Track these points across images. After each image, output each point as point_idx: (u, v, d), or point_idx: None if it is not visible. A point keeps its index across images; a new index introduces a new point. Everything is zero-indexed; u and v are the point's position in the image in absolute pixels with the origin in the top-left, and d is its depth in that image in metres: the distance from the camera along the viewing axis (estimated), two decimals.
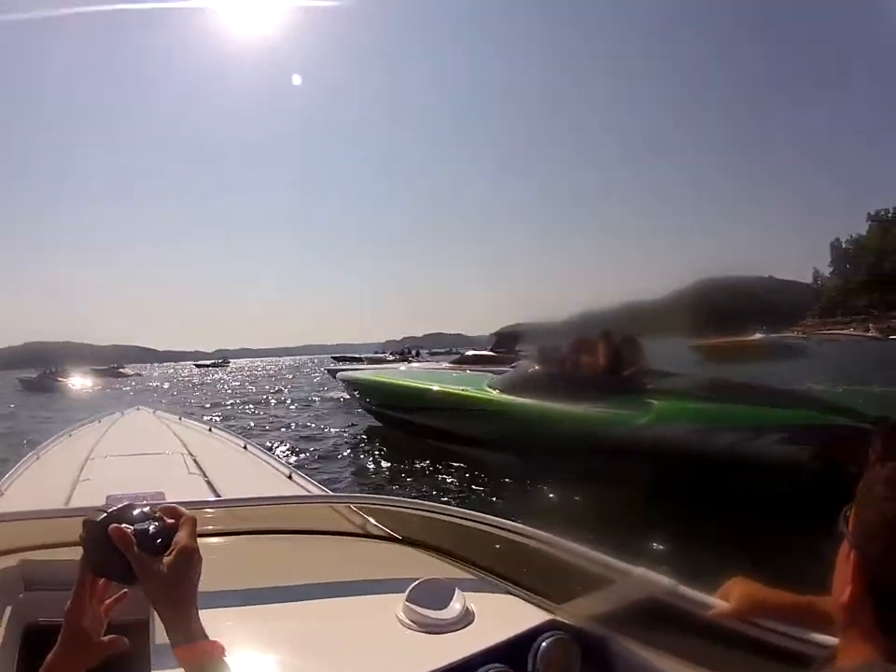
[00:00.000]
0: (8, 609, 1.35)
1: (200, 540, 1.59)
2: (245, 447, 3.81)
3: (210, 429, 4.60)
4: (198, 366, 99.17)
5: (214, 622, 0.97)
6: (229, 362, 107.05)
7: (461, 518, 1.62)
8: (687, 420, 6.30)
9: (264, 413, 17.74)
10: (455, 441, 8.39)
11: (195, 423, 5.07)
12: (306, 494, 2.50)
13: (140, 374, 69.84)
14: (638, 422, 6.48)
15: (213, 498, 2.44)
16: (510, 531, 1.50)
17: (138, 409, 5.96)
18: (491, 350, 20.87)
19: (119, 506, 0.94)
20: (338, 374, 13.09)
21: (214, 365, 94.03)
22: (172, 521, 0.94)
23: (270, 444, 10.66)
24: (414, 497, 6.37)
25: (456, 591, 1.32)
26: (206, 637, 0.88)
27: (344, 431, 12.47)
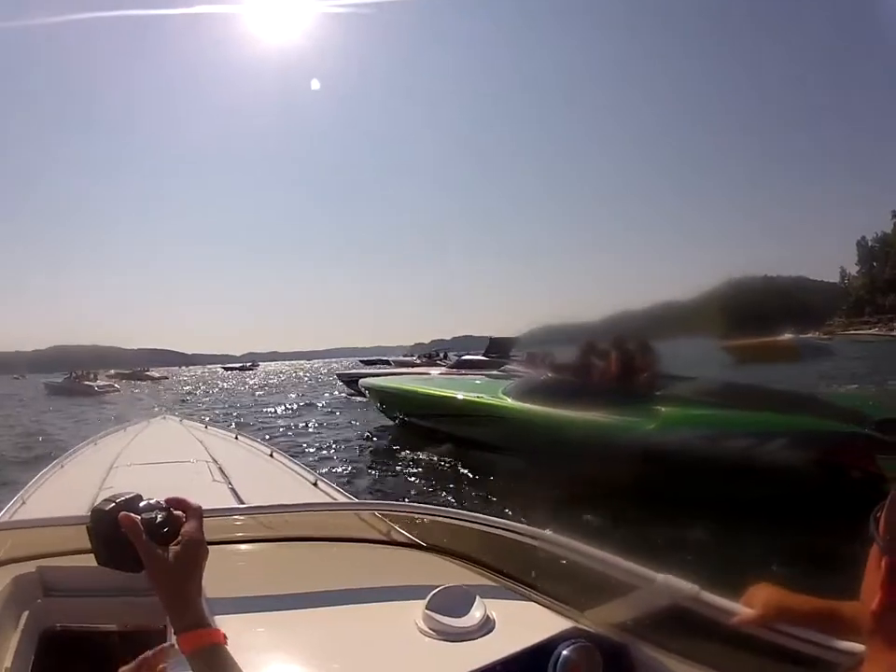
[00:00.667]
0: (26, 614, 1.37)
1: (225, 547, 1.65)
2: (271, 454, 3.82)
3: (236, 437, 4.58)
4: (226, 369, 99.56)
5: (238, 627, 1.01)
6: (258, 365, 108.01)
7: (483, 525, 1.61)
8: (693, 426, 6.51)
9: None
10: (470, 446, 8.60)
11: (221, 431, 5.08)
12: (331, 501, 2.50)
13: (166, 377, 69.60)
14: (646, 428, 6.65)
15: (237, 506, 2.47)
16: (532, 537, 1.48)
17: (164, 417, 6.00)
18: (483, 355, 22.38)
19: (128, 496, 0.96)
20: (360, 381, 13.50)
21: (242, 368, 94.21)
22: (178, 512, 0.96)
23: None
24: (432, 500, 6.66)
25: (477, 598, 1.31)
26: (209, 625, 0.89)
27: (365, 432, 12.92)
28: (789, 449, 5.90)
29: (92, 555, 1.43)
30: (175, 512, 0.96)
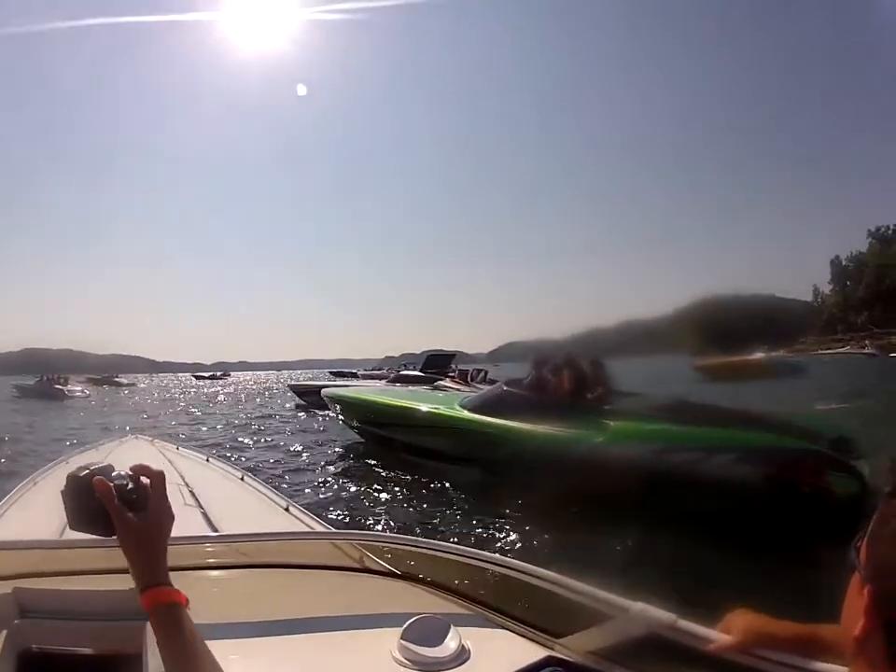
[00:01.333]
0: (2, 636, 1.34)
1: (196, 573, 1.68)
2: (242, 478, 3.81)
3: (207, 459, 4.58)
4: (197, 377, 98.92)
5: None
6: (230, 375, 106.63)
7: (458, 554, 1.60)
8: (640, 440, 6.68)
9: None
10: (427, 456, 8.88)
11: (193, 452, 5.06)
12: (307, 530, 2.47)
13: (134, 384, 69.78)
14: (595, 441, 6.90)
15: (210, 531, 2.50)
16: (507, 567, 1.47)
17: (136, 437, 5.92)
18: (421, 370, 23.99)
19: (101, 465, 1.04)
20: (322, 391, 13.87)
21: (213, 377, 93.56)
22: (145, 480, 1.03)
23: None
24: (389, 508, 7.16)
25: (452, 628, 1.29)
26: (171, 584, 0.97)
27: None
28: (737, 464, 6.03)
29: (69, 577, 1.53)
30: (142, 480, 1.03)
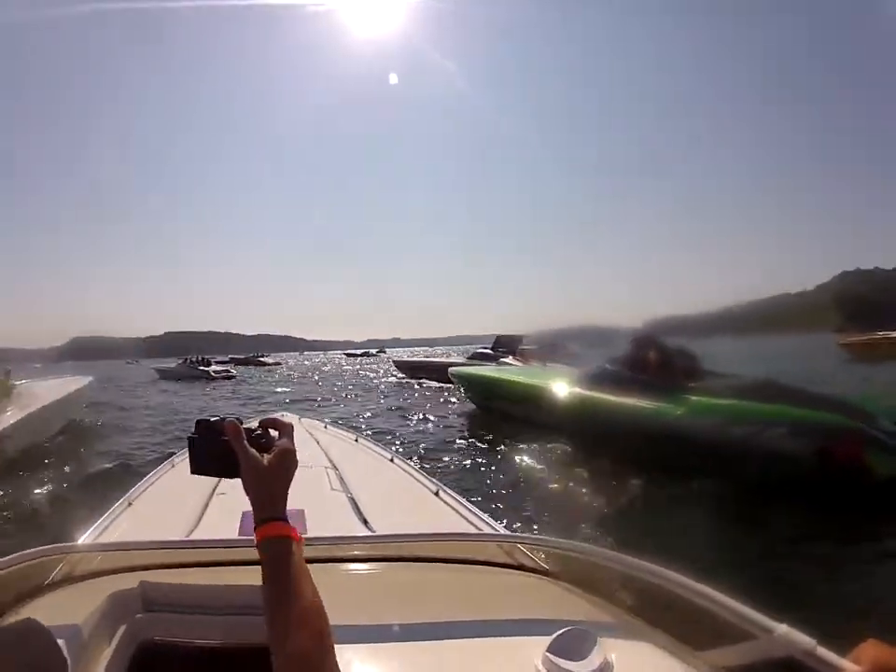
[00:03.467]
0: (122, 628, 1.39)
1: (342, 566, 1.72)
2: (391, 460, 3.77)
3: (356, 439, 4.56)
4: (348, 355, 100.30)
5: (347, 657, 1.06)
6: (385, 351, 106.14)
7: (609, 560, 1.54)
8: (711, 414, 7.69)
9: None
10: (533, 424, 10.43)
11: (341, 431, 5.07)
12: (461, 531, 2.30)
13: (279, 363, 70.43)
14: (675, 414, 8.03)
15: (356, 518, 2.54)
16: (656, 575, 1.42)
17: (283, 415, 5.92)
18: (491, 349, 28.70)
19: (231, 416, 1.09)
20: (449, 370, 16.33)
21: (366, 354, 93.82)
22: (275, 431, 1.11)
23: None
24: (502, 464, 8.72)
25: (598, 641, 1.27)
26: (286, 520, 1.00)
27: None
28: (787, 437, 6.74)
29: (192, 570, 1.58)
30: (271, 431, 1.11)
